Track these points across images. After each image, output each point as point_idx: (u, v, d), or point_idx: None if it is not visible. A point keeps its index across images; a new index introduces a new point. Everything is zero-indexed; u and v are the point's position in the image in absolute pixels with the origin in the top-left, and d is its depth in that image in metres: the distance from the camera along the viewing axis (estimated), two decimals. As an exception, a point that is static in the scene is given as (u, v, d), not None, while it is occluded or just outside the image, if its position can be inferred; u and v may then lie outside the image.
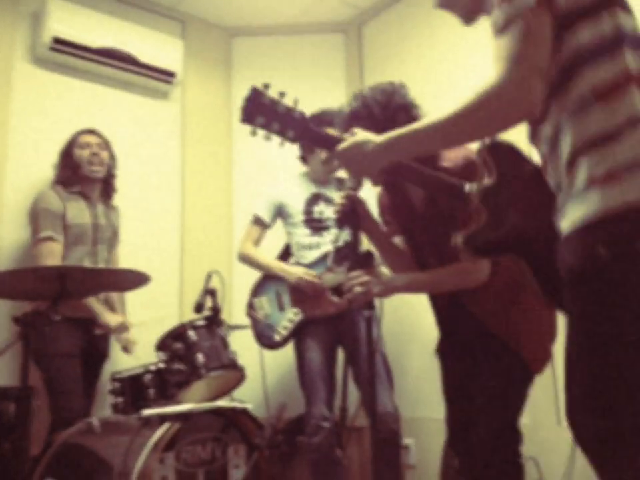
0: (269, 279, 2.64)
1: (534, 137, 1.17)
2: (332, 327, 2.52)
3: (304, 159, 2.72)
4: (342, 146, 1.35)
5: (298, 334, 2.55)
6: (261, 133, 1.41)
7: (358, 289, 1.63)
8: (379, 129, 1.40)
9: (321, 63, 3.46)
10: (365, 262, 1.84)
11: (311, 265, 2.56)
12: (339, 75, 3.49)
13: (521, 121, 1.09)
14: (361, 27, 3.56)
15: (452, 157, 1.62)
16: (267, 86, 1.37)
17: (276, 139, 1.43)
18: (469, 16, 1.31)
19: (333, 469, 2.46)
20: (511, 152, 1.29)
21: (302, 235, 2.63)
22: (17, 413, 1.85)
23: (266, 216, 2.69)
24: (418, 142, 1.21)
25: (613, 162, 1.01)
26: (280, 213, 2.69)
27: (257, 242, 2.69)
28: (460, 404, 1.73)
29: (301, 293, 2.54)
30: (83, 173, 2.59)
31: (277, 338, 2.55)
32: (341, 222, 1.69)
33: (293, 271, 2.55)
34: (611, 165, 1.01)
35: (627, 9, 1.12)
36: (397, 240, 1.84)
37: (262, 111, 1.36)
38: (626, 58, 1.05)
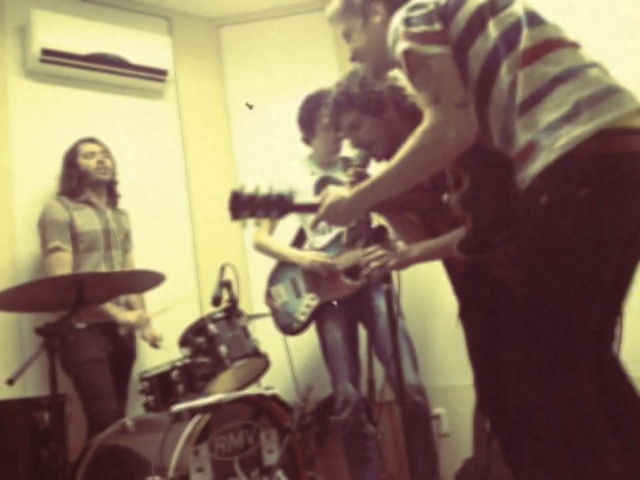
0: (283, 266, 2.65)
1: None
2: (350, 306, 2.52)
3: (307, 140, 2.69)
4: (321, 210, 1.57)
5: (317, 317, 2.57)
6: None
7: (375, 264, 1.67)
8: (362, 110, 1.70)
9: (310, 42, 3.42)
10: (378, 237, 1.85)
11: (324, 249, 2.56)
12: (329, 50, 3.44)
13: (461, 149, 1.26)
14: (346, 0, 3.51)
15: None
16: (242, 187, 1.65)
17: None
18: (377, 71, 1.56)
19: (364, 444, 2.48)
20: (476, 152, 1.36)
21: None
22: (51, 420, 1.88)
23: None
24: (380, 191, 1.42)
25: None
26: None
27: (270, 230, 2.69)
28: (487, 365, 1.73)
29: (315, 278, 2.55)
30: (92, 179, 2.64)
31: (296, 325, 2.57)
32: None
33: (305, 255, 2.56)
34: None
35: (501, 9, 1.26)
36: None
37: (244, 207, 1.64)
38: (523, 42, 1.21)
